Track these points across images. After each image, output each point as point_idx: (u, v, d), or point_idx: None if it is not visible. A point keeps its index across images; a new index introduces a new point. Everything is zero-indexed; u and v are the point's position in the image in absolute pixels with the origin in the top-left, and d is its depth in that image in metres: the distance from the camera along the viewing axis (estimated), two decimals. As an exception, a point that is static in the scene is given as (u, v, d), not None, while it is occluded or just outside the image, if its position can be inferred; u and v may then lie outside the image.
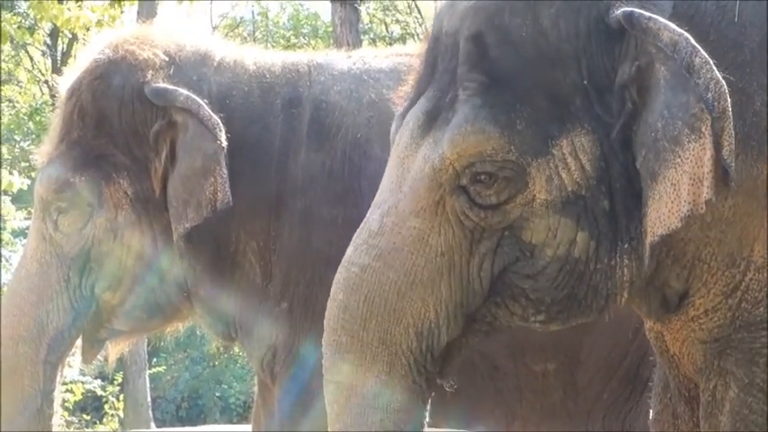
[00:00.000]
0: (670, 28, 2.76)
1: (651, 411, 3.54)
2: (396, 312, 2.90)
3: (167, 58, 4.42)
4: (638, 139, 2.83)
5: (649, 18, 2.79)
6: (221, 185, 4.19)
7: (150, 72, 4.36)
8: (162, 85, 4.33)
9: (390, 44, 23.26)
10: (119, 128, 4.35)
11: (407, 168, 2.93)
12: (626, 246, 2.88)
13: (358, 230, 3.01)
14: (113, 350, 4.70)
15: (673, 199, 2.76)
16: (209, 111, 4.23)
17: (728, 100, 2.70)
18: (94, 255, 4.37)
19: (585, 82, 2.85)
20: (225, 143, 4.20)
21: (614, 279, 2.91)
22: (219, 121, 4.22)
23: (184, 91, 4.30)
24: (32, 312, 4.36)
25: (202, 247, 4.34)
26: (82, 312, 4.41)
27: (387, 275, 2.91)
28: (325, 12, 23.27)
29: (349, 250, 3.00)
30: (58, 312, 4.37)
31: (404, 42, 22.00)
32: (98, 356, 4.68)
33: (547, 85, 2.85)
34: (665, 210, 2.78)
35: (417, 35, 23.81)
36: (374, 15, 24.91)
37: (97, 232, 4.35)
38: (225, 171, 4.19)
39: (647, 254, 2.85)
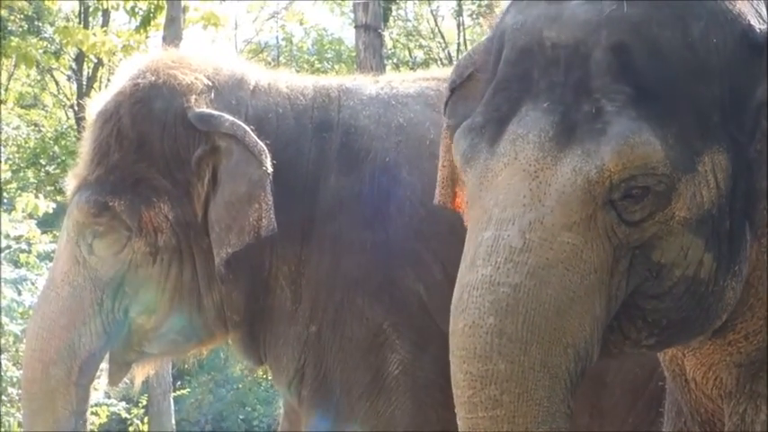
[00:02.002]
0: None
1: None
2: (556, 332, 2.70)
3: (208, 83, 4.43)
4: None
5: None
6: (266, 212, 4.20)
7: (193, 97, 4.36)
8: (206, 110, 4.34)
9: (413, 69, 23.28)
10: (160, 152, 4.34)
11: (545, 182, 2.73)
12: (736, 268, 2.82)
13: (482, 250, 2.77)
14: (140, 373, 4.70)
15: None
16: (255, 137, 4.24)
17: None
18: (129, 279, 4.37)
19: (725, 98, 2.78)
20: (270, 169, 4.21)
21: (723, 302, 2.85)
22: (265, 148, 4.23)
23: (229, 117, 4.30)
24: (64, 335, 4.36)
25: (239, 272, 4.34)
26: (113, 336, 4.41)
27: (545, 293, 2.70)
28: (348, 37, 23.36)
29: (484, 270, 2.74)
30: (91, 335, 4.37)
31: (427, 67, 22.04)
32: (124, 379, 4.68)
33: (692, 100, 2.76)
34: None
35: (440, 60, 23.86)
36: (397, 41, 24.96)
37: (135, 257, 4.35)
38: (270, 197, 4.20)
39: None
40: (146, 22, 11.94)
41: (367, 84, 4.68)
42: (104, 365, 4.56)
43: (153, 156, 4.35)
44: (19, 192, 15.34)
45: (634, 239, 2.75)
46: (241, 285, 4.39)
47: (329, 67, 24.33)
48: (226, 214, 4.27)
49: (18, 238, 11.36)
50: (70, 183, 4.51)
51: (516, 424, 2.69)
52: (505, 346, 2.68)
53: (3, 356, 9.56)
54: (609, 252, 2.74)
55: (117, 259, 4.37)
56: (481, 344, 2.69)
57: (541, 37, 2.84)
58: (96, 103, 4.53)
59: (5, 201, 12.95)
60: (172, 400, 17.53)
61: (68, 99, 22.63)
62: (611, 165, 2.70)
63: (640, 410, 4.40)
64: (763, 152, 2.79)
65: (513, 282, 2.70)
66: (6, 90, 20.19)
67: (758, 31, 2.81)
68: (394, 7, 22.98)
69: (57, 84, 22.82)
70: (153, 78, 4.41)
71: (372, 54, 12.87)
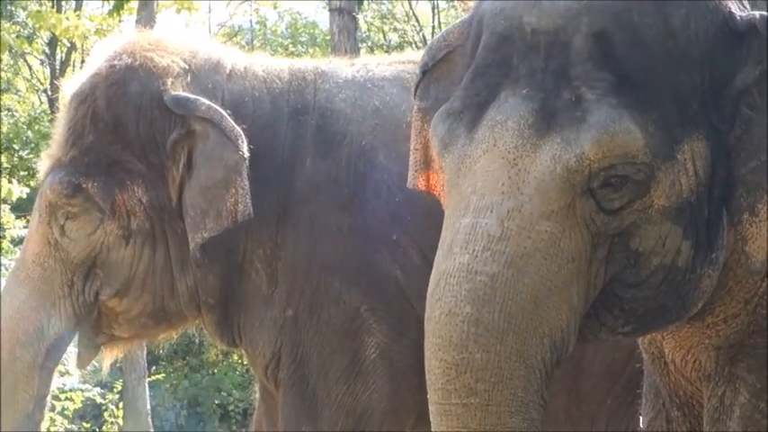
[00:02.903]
0: None
1: (642, 418, 3.52)
2: (533, 322, 2.70)
3: (185, 66, 4.42)
4: (749, 145, 2.80)
5: None
6: (242, 197, 4.20)
7: (170, 80, 4.36)
8: (182, 93, 4.33)
9: (388, 52, 23.25)
10: (135, 135, 4.34)
11: (525, 170, 2.73)
12: (713, 255, 2.83)
13: (460, 237, 2.76)
14: (108, 355, 4.68)
15: None
16: (232, 122, 4.24)
17: None
18: (101, 261, 4.36)
19: (705, 85, 2.80)
20: (247, 154, 4.21)
21: (699, 289, 2.86)
22: (242, 133, 4.22)
23: (206, 101, 4.30)
24: (33, 317, 4.35)
25: (214, 256, 4.34)
26: (83, 318, 4.41)
27: (522, 282, 2.70)
28: (323, 20, 23.34)
29: (462, 258, 2.74)
30: (60, 318, 4.37)
31: (402, 50, 22.03)
32: (93, 362, 4.68)
33: (672, 88, 2.77)
34: None
35: (415, 43, 23.84)
36: (372, 24, 24.95)
37: (107, 239, 4.34)
38: (246, 182, 4.20)
39: (762, 259, 2.81)
40: (119, 6, 11.85)
41: (343, 67, 4.68)
42: (72, 348, 4.54)
43: (128, 138, 4.35)
44: (-8, 177, 15.26)
45: (612, 228, 2.75)
46: (216, 269, 4.39)
47: (303, 50, 24.31)
48: (201, 199, 4.27)
49: (-9, 224, 11.33)
50: (43, 164, 4.50)
51: (490, 413, 2.70)
52: (482, 335, 2.68)
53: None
54: (587, 240, 2.74)
55: (89, 241, 4.36)
56: (457, 332, 2.69)
57: (521, 22, 2.83)
58: (71, 84, 4.52)
59: (-22, 186, 12.87)
60: (147, 386, 17.48)
61: (42, 84, 22.50)
62: (590, 153, 2.70)
63: (618, 393, 4.42)
64: (741, 139, 2.79)
65: (490, 271, 2.70)
66: (-21, 75, 20.07)
67: (739, 18, 2.81)
68: (368, -10, 22.95)
69: (30, 68, 22.70)
70: (129, 60, 4.40)
71: (347, 37, 12.85)
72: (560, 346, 2.75)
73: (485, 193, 2.76)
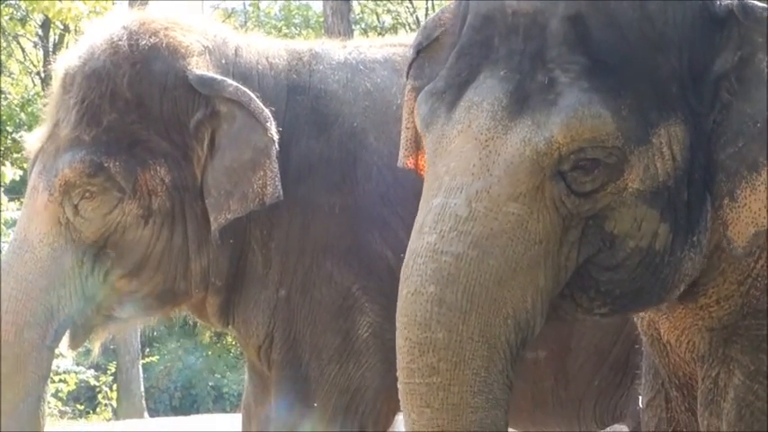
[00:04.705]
0: None
1: (641, 398, 3.52)
2: (496, 302, 2.72)
3: (205, 44, 4.40)
4: (728, 130, 2.80)
5: (765, 8, 2.76)
6: (271, 179, 4.19)
7: (194, 58, 4.32)
8: (208, 73, 4.30)
9: (382, 34, 23.26)
10: (159, 114, 4.28)
11: (495, 151, 2.75)
12: (694, 238, 2.83)
13: (430, 217, 2.79)
14: (99, 337, 4.62)
15: None
16: (260, 104, 4.22)
17: None
18: (114, 241, 4.31)
19: (684, 70, 2.80)
20: (276, 136, 4.20)
21: (680, 272, 2.86)
22: (270, 115, 4.21)
23: (233, 82, 4.27)
24: (42, 297, 4.28)
25: (225, 237, 4.32)
26: (90, 299, 4.35)
27: (486, 263, 2.71)
28: (316, 2, 23.31)
29: (429, 238, 2.77)
30: (70, 298, 4.31)
31: (395, 32, 22.03)
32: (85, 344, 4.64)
33: (649, 72, 2.78)
34: None
35: (409, 25, 23.84)
36: (365, 6, 24.94)
37: (125, 218, 4.29)
38: (276, 165, 4.19)
39: (743, 244, 2.81)
40: (112, -12, 11.86)
41: (335, 49, 4.67)
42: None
43: (151, 117, 4.29)
44: (-15, 159, 15.25)
45: (585, 210, 2.76)
46: (226, 251, 4.38)
47: (297, 32, 24.29)
48: (226, 180, 4.25)
49: (-16, 206, 11.31)
50: (39, 144, 4.42)
51: (452, 392, 2.72)
52: (444, 314, 2.71)
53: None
54: (557, 223, 2.76)
55: (104, 221, 4.29)
56: (421, 311, 2.72)
57: (503, 4, 2.85)
58: (67, 63, 4.41)
59: (-28, 168, 12.86)
60: (141, 368, 17.56)
61: (35, 66, 22.51)
62: (559, 137, 2.72)
63: (606, 374, 4.43)
64: (721, 124, 2.81)
65: (455, 251, 2.72)
66: (-28, 57, 20.04)
67: (717, 4, 2.82)
68: (362, -28, 22.93)
69: (23, 51, 22.69)
70: (153, 39, 4.34)
71: (340, 19, 12.86)
72: (525, 327, 2.76)
73: (456, 173, 2.78)
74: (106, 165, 4.25)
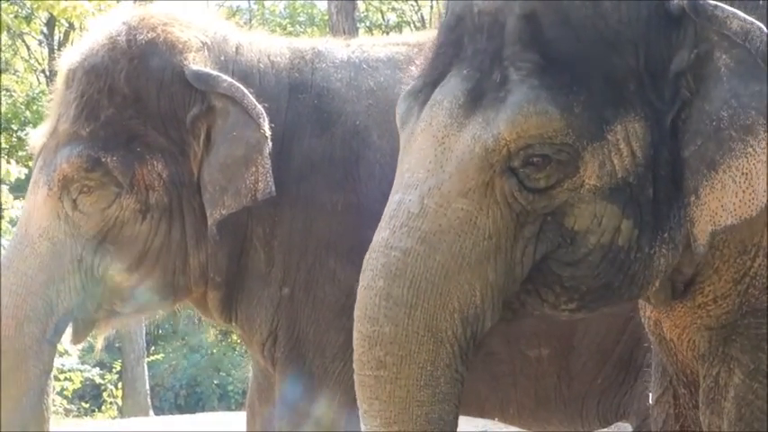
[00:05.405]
0: (740, 16, 2.74)
1: (651, 395, 3.54)
2: (442, 297, 2.78)
3: (203, 40, 4.41)
4: (690, 128, 2.81)
5: (716, 6, 2.77)
6: (263, 175, 4.19)
7: (191, 54, 4.34)
8: (204, 69, 4.32)
9: (386, 32, 23.27)
10: (156, 109, 4.30)
11: (449, 148, 2.81)
12: (665, 235, 2.84)
13: (387, 212, 2.88)
14: (102, 332, 4.63)
15: (744, 189, 2.73)
16: (254, 99, 4.23)
17: None
18: (113, 236, 4.32)
19: (641, 67, 2.82)
20: (268, 132, 4.21)
21: (651, 268, 2.87)
22: (263, 111, 4.21)
23: (227, 77, 4.29)
24: (41, 292, 4.29)
25: (223, 233, 4.33)
26: (90, 293, 4.36)
27: (433, 259, 2.77)
28: (321, 0, 23.31)
29: (384, 233, 2.86)
30: (69, 292, 4.32)
31: (400, 30, 22.04)
32: (89, 339, 4.64)
33: (604, 69, 2.80)
34: (733, 200, 2.75)
35: (413, 23, 23.83)
36: (370, 3, 24.93)
37: (123, 213, 4.30)
38: (268, 161, 4.20)
39: (704, 242, 2.82)
40: (117, -15, 11.86)
41: (339, 47, 4.68)
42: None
43: (148, 113, 4.31)
44: (-10, 157, 15.26)
45: (542, 206, 2.80)
46: (225, 247, 4.39)
47: (301, 30, 24.31)
48: (221, 176, 4.26)
49: (-11, 204, 11.32)
50: (42, 139, 4.44)
51: (399, 386, 2.78)
52: (391, 309, 2.77)
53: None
54: (508, 218, 2.80)
55: (103, 216, 4.32)
56: (371, 306, 2.80)
57: (472, 4, 2.91)
58: (70, 59, 4.44)
59: (-23, 166, 12.87)
60: (146, 366, 17.58)
61: (40, 64, 22.53)
62: (505, 133, 2.76)
63: (609, 372, 4.44)
64: (685, 121, 2.82)
65: (404, 246, 2.80)
66: (-23, 55, 20.06)
67: (672, 2, 2.83)
68: (366, -30, 22.92)
69: (28, 48, 22.71)
70: (151, 35, 4.36)
71: (345, 17, 12.86)
72: (473, 321, 2.81)
73: (414, 170, 2.85)
74: (104, 160, 4.27)
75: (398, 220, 2.83)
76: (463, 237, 2.78)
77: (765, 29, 2.72)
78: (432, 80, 2.93)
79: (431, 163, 2.82)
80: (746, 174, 2.73)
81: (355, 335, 2.85)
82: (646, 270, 2.87)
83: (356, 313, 2.85)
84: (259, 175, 4.21)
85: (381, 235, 2.85)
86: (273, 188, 4.22)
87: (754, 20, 2.74)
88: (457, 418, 2.86)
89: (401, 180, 2.87)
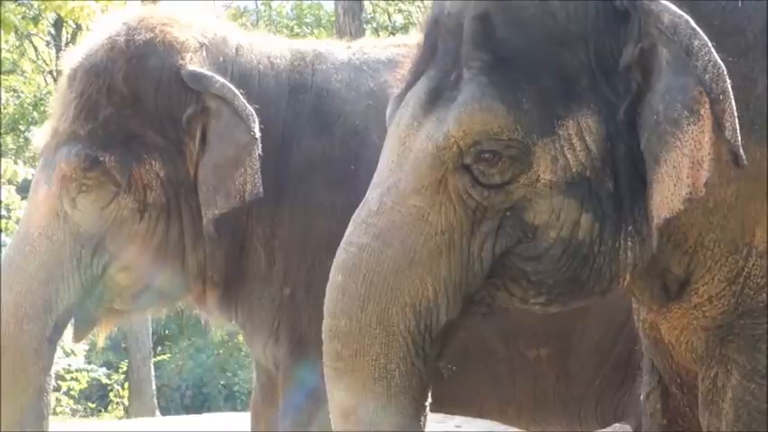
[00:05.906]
0: (671, 10, 2.77)
1: (642, 392, 3.57)
2: (393, 291, 2.84)
3: (201, 40, 4.43)
4: (641, 122, 2.83)
5: (652, 1, 2.80)
6: (251, 176, 4.21)
7: (188, 54, 4.36)
8: (198, 69, 4.33)
9: (393, 33, 23.26)
10: (153, 109, 4.32)
11: (408, 147, 2.89)
12: (630, 228, 2.86)
13: (357, 210, 2.97)
14: (103, 330, 4.65)
15: (675, 182, 2.76)
16: (244, 101, 4.24)
17: (728, 82, 2.70)
18: (111, 234, 4.34)
19: (593, 63, 2.84)
20: (258, 134, 4.22)
21: (618, 262, 2.89)
22: (253, 112, 4.23)
23: (220, 78, 4.31)
24: (40, 290, 4.31)
25: (222, 232, 4.35)
26: (89, 292, 4.38)
27: (385, 254, 2.85)
28: (328, 2, 23.33)
29: (348, 230, 2.96)
30: (68, 291, 4.34)
31: (407, 31, 22.00)
32: (91, 337, 4.69)
33: (554, 66, 2.84)
34: (667, 192, 2.78)
35: (420, 24, 23.82)
36: (377, 5, 24.94)
37: (121, 213, 4.32)
38: (256, 163, 4.21)
39: (654, 236, 2.85)
40: (124, -13, 11.87)
41: (339, 49, 4.70)
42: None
43: (146, 112, 4.33)
44: (-2, 158, 15.31)
45: (499, 202, 2.85)
46: (223, 246, 4.41)
47: (308, 31, 24.31)
48: (213, 176, 4.28)
49: (-3, 205, 11.35)
50: (44, 138, 4.46)
51: (354, 378, 2.87)
52: (346, 303, 2.88)
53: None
54: (462, 214, 2.86)
55: (101, 215, 4.33)
56: (331, 300, 2.91)
57: (444, 6, 2.99)
58: (73, 59, 4.46)
59: (-16, 167, 12.91)
60: (152, 366, 17.61)
61: (47, 65, 22.55)
62: (453, 131, 2.83)
63: (607, 373, 4.44)
64: (640, 114, 2.84)
65: (360, 242, 2.89)
66: (-16, 56, 20.11)
67: None
68: (373, -28, 22.92)
69: (35, 49, 22.74)
70: (149, 35, 4.38)
71: (352, 18, 12.87)
72: (426, 315, 2.87)
73: (381, 170, 2.96)
74: (102, 159, 4.28)
75: (360, 217, 2.93)
76: (415, 232, 2.86)
77: (692, 21, 2.75)
78: (410, 84, 3.00)
79: (393, 162, 2.92)
80: (676, 166, 2.77)
81: (322, 328, 2.95)
82: (612, 264, 2.89)
83: (324, 308, 2.95)
84: (247, 176, 4.23)
85: (347, 231, 2.95)
86: (261, 189, 4.23)
87: (682, 13, 2.77)
88: (421, 413, 2.93)
89: (373, 180, 2.97)
